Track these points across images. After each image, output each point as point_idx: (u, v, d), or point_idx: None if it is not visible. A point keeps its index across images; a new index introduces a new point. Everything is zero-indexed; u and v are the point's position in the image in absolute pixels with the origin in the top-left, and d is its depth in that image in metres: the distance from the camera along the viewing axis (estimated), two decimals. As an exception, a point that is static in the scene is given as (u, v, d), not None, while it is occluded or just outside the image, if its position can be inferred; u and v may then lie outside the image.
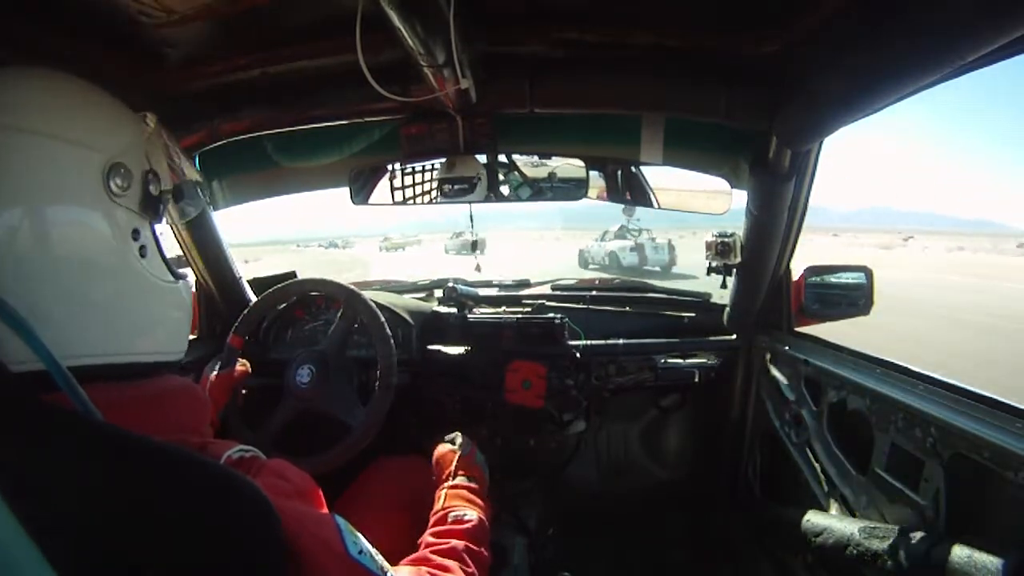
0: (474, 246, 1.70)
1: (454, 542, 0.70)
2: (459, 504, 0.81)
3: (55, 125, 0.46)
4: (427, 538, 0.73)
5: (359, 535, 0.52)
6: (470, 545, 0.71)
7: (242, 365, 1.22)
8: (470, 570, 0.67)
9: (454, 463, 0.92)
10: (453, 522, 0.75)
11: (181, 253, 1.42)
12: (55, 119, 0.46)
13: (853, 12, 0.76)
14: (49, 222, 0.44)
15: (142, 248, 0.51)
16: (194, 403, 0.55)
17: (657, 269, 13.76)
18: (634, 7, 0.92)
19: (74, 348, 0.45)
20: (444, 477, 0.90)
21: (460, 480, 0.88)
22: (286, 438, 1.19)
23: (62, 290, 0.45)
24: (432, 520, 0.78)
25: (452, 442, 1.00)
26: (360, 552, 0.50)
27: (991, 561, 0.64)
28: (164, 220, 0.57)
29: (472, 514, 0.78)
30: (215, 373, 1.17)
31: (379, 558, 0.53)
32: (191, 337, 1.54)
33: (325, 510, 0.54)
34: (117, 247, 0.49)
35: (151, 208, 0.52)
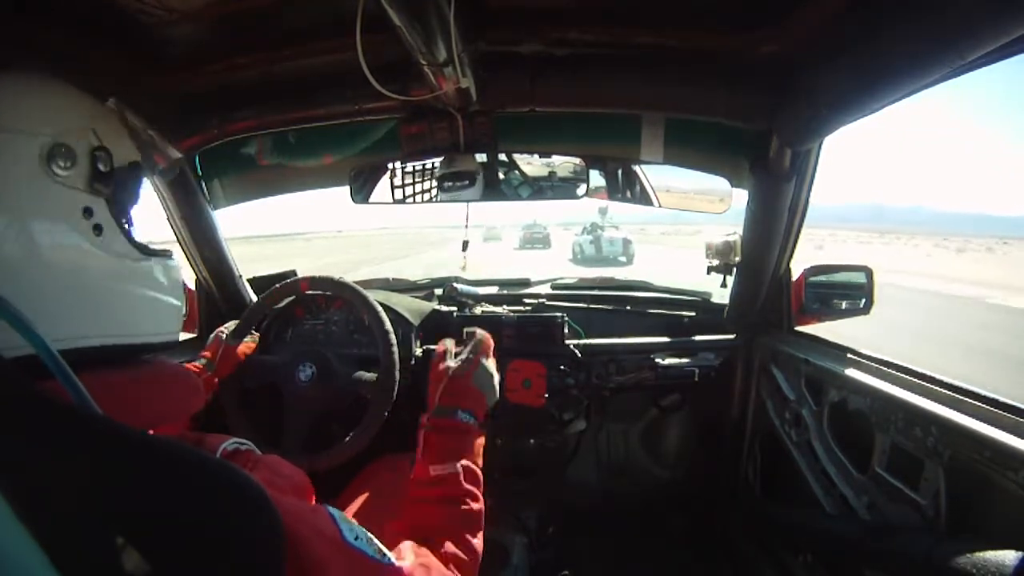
0: (464, 245, 1.69)
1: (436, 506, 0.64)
2: (439, 457, 0.70)
3: None
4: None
5: (353, 522, 0.52)
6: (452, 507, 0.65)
7: (252, 340, 1.21)
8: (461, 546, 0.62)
9: (440, 387, 0.77)
10: (433, 481, 0.67)
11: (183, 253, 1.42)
12: None
13: (853, 12, 0.76)
14: None
15: (96, 227, 0.51)
16: (186, 390, 0.56)
17: (623, 260, 16.86)
18: (634, 7, 0.92)
19: (50, 332, 0.44)
20: (430, 408, 0.76)
21: (441, 416, 0.74)
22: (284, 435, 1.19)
23: (14, 273, 0.45)
24: (412, 475, 0.70)
25: (447, 352, 0.84)
26: (356, 538, 0.50)
27: (992, 561, 0.64)
28: (135, 195, 0.56)
29: (454, 467, 0.68)
30: (225, 338, 1.16)
31: (376, 542, 0.52)
32: (191, 336, 1.55)
33: (316, 505, 0.54)
34: (65, 226, 0.49)
35: (102, 184, 0.52)
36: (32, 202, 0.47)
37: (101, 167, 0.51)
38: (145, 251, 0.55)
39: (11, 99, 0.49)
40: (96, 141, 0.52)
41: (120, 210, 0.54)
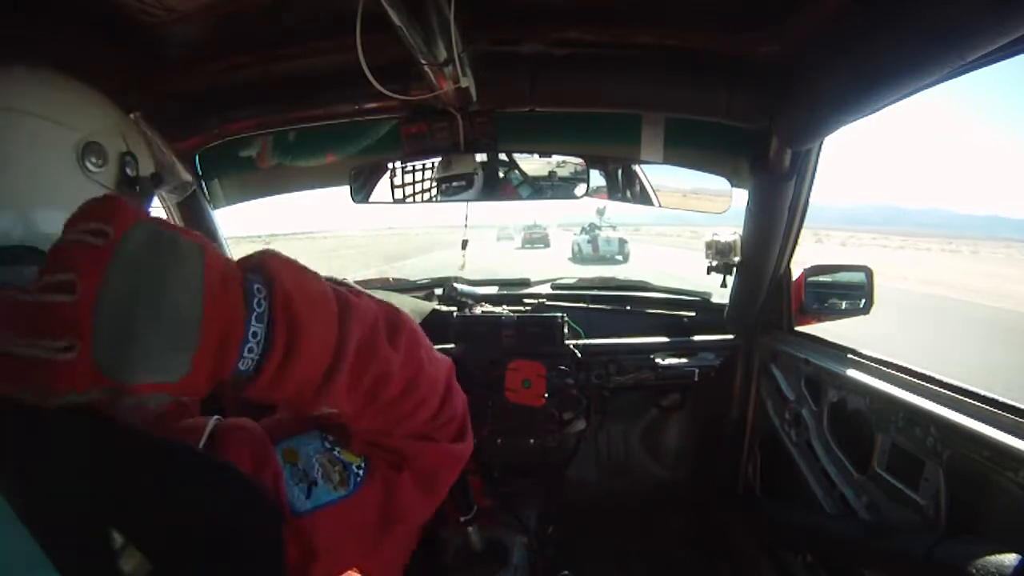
0: (464, 244, 1.69)
1: None
2: None
3: (29, 103, 0.47)
4: None
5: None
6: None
7: None
8: None
9: None
10: None
11: None
12: (29, 98, 0.48)
13: (853, 12, 0.76)
14: (26, 190, 0.46)
15: None
16: None
17: (620, 259, 17.39)
18: (634, 6, 0.92)
19: None
20: None
21: None
22: None
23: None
24: None
25: None
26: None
27: (991, 561, 0.64)
28: (149, 205, 0.58)
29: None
30: None
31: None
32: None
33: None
34: None
35: (127, 187, 0.53)
36: (63, 189, 0.48)
37: (128, 171, 0.53)
38: None
39: (43, 90, 0.49)
40: (125, 147, 0.54)
41: None
